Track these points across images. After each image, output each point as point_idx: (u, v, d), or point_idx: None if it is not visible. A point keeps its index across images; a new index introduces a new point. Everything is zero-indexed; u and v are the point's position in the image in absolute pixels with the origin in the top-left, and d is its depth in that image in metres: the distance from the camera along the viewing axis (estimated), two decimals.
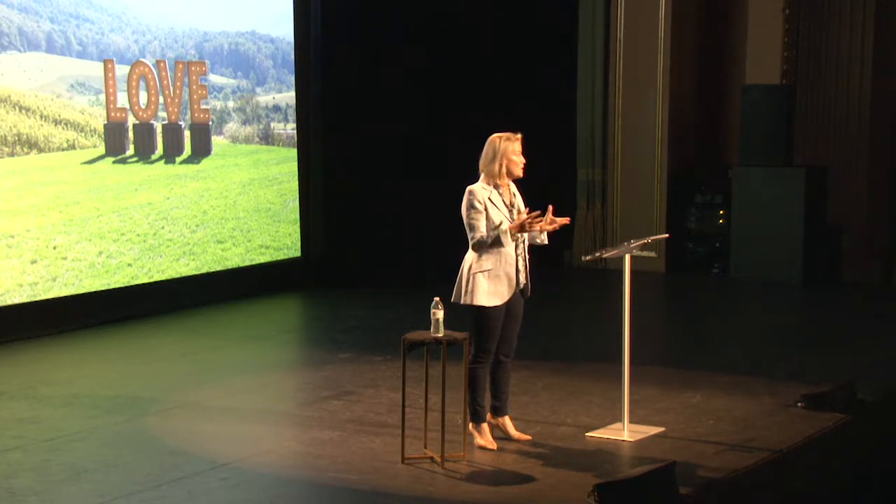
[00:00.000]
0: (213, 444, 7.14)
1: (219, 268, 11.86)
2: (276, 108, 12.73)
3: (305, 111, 12.76)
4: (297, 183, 12.71)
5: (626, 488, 5.98)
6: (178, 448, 7.08)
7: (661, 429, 7.43)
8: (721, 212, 13.68)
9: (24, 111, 10.34)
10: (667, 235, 9.61)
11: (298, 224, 12.74)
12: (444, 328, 6.71)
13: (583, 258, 7.89)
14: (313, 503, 6.40)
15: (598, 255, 7.56)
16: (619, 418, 7.41)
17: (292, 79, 12.74)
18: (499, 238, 6.83)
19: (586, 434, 7.34)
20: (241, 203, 12.19)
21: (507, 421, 7.21)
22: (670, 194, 13.83)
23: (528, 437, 7.19)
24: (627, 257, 7.31)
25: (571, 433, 7.37)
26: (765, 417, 7.73)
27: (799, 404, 7.89)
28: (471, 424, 7.03)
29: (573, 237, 14.15)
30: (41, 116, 10.47)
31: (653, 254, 7.95)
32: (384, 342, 9.50)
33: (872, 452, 7.84)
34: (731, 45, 14.10)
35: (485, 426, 7.07)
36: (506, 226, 6.85)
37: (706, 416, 7.78)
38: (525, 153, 7.02)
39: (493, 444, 7.03)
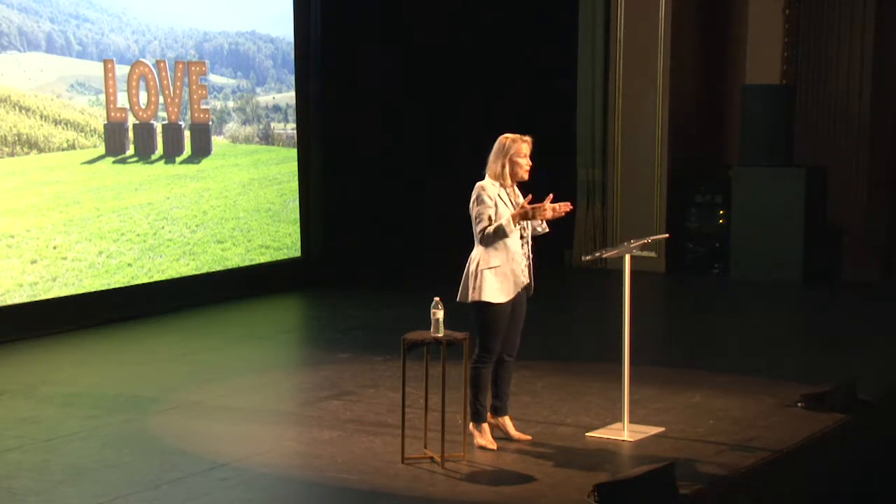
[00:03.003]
0: (213, 444, 7.14)
1: (219, 268, 11.86)
2: (276, 108, 12.73)
3: (305, 111, 12.75)
4: (297, 183, 12.70)
5: (626, 488, 5.97)
6: (178, 448, 7.07)
7: (661, 429, 7.43)
8: (721, 212, 13.67)
9: (24, 111, 10.33)
10: (667, 235, 9.60)
11: (298, 224, 12.73)
12: (444, 328, 6.70)
13: (583, 258, 7.88)
14: (313, 503, 6.40)
15: (598, 255, 7.55)
16: (619, 418, 7.41)
17: (292, 79, 12.74)
18: (503, 228, 6.80)
19: (586, 434, 7.34)
20: (241, 203, 12.19)
21: (507, 421, 7.20)
22: (670, 194, 13.82)
23: (528, 437, 7.19)
24: (627, 257, 7.31)
25: (571, 433, 7.37)
26: (765, 417, 7.72)
27: (799, 404, 7.88)
28: (471, 424, 7.02)
29: (573, 237, 14.14)
30: (41, 116, 10.46)
31: (653, 254, 7.94)
32: (384, 342, 9.48)
33: (872, 452, 7.86)
34: (731, 45, 14.09)
35: (485, 426, 7.06)
36: (508, 215, 6.83)
37: (706, 416, 7.77)
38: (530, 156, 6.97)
39: (493, 444, 7.02)
